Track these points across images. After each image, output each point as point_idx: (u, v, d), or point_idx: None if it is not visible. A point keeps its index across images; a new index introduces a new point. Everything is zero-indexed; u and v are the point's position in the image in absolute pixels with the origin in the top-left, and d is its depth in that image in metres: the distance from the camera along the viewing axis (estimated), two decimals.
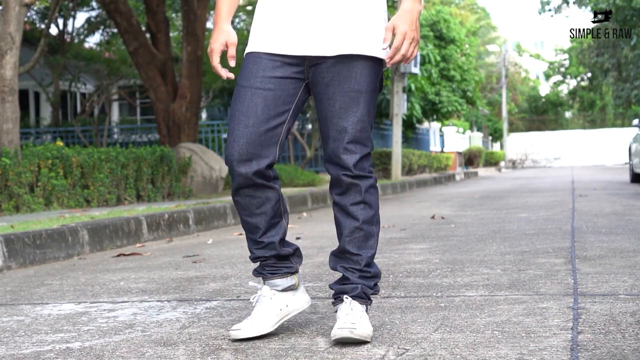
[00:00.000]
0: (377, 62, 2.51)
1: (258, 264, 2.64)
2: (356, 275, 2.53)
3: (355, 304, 2.49)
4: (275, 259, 2.60)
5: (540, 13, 26.79)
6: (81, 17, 21.86)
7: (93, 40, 22.02)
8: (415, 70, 17.53)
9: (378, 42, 2.47)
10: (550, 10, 26.52)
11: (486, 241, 5.32)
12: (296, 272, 2.65)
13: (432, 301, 3.14)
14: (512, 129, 53.19)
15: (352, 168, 2.47)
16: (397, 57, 2.40)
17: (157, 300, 3.44)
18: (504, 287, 3.39)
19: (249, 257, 2.64)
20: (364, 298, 2.52)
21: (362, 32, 2.46)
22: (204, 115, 21.30)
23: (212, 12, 20.23)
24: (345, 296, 2.52)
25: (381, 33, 2.48)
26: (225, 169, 11.36)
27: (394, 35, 2.39)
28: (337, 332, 2.41)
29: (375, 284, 2.57)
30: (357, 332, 2.40)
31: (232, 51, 2.54)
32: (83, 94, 22.24)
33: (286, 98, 2.51)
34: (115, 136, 19.28)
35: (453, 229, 6.33)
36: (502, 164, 39.56)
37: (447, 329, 2.60)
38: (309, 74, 2.51)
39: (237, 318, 2.96)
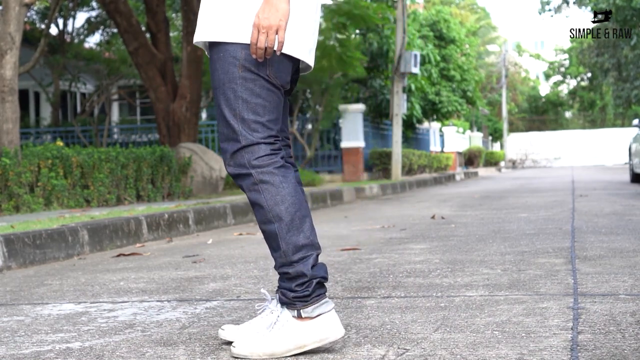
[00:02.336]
0: (224, 50, 2.32)
1: None
2: (279, 277, 2.38)
3: (283, 312, 2.34)
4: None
5: (540, 13, 26.83)
6: (81, 17, 21.89)
7: (93, 40, 22.03)
8: (415, 70, 17.53)
9: (224, 26, 2.31)
10: (550, 10, 26.55)
11: (486, 241, 5.32)
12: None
13: (432, 301, 3.14)
14: (512, 129, 53.21)
15: (228, 167, 2.37)
16: (255, 51, 2.24)
17: (157, 300, 3.44)
18: (504, 287, 3.39)
19: None
20: (283, 303, 2.34)
21: (207, 20, 2.35)
22: (204, 115, 21.30)
23: None
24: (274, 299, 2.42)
25: (235, 17, 2.32)
26: (225, 169, 11.35)
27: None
28: (231, 348, 2.35)
29: (300, 284, 2.30)
30: (235, 352, 2.32)
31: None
32: (83, 94, 22.25)
33: None
34: (115, 136, 19.28)
35: (453, 229, 6.33)
36: (502, 164, 39.57)
37: (447, 329, 2.60)
38: None
39: (237, 318, 2.96)
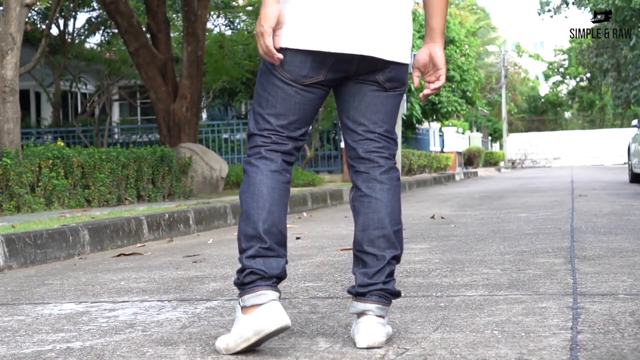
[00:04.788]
0: None
1: None
2: None
3: (237, 307, 2.45)
4: None
5: (539, 13, 26.80)
6: (82, 17, 21.82)
7: (94, 41, 22.02)
8: None
9: None
10: (549, 10, 26.53)
11: (486, 241, 5.33)
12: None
13: (432, 301, 3.14)
14: (512, 129, 53.20)
15: None
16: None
17: (158, 300, 3.45)
18: (504, 287, 3.40)
19: None
20: (235, 284, 2.43)
21: None
22: (204, 115, 21.31)
23: (212, 13, 20.24)
24: None
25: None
26: (225, 169, 11.36)
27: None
28: None
29: (239, 271, 2.38)
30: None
31: None
32: (84, 94, 22.24)
33: None
34: (116, 136, 19.28)
35: (453, 229, 6.34)
36: (502, 164, 39.58)
37: (447, 329, 2.61)
38: None
39: None
